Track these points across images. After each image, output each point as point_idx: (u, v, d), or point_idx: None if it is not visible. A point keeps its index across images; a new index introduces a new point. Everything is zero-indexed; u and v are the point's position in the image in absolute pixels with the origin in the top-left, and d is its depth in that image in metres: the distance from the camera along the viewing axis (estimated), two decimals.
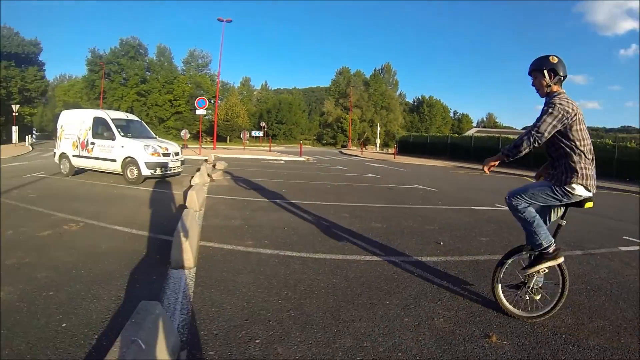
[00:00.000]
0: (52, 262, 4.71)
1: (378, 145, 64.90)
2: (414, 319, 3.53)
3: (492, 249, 6.02)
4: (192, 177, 11.83)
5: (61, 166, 13.38)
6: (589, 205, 3.49)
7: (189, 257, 4.63)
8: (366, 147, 60.80)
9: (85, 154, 12.54)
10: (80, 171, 13.39)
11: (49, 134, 70.84)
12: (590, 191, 3.41)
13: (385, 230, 6.94)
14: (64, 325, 3.23)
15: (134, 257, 5.03)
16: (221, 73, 37.16)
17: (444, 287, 4.35)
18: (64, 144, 13.27)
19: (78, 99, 71.01)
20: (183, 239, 4.63)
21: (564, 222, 3.68)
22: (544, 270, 3.63)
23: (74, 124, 13.22)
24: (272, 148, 44.93)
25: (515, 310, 3.71)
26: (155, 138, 13.57)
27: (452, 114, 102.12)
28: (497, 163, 3.60)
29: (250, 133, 55.97)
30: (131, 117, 14.44)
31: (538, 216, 3.60)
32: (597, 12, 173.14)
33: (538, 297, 3.66)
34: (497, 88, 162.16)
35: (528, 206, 3.59)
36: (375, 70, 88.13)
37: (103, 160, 12.21)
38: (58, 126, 13.89)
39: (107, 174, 12.71)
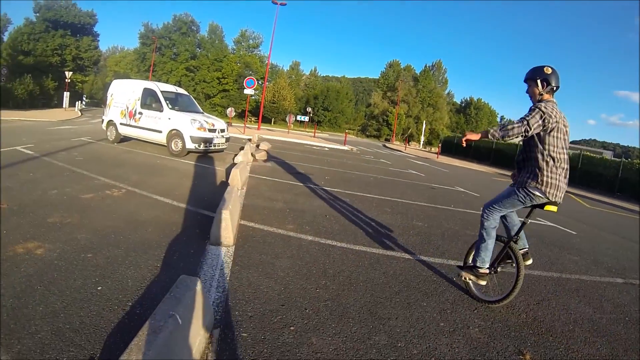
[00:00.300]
0: (92, 225, 4.78)
1: (422, 142, 64.23)
2: (450, 324, 3.44)
3: (532, 264, 5.66)
4: (236, 155, 11.91)
5: (108, 133, 13.78)
6: (549, 208, 3.73)
7: (228, 234, 4.58)
8: (410, 143, 60.18)
9: (133, 123, 12.84)
10: (125, 139, 13.75)
11: (97, 101, 74.17)
12: (549, 198, 3.64)
13: (426, 230, 6.76)
14: (99, 288, 3.24)
15: (173, 228, 5.05)
16: (271, 55, 37.58)
17: None
18: (113, 112, 13.65)
19: (128, 70, 73.78)
20: (225, 215, 4.58)
21: (528, 221, 3.90)
22: (465, 279, 4.13)
23: (124, 93, 13.57)
24: (316, 134, 44.92)
25: (476, 293, 4.12)
26: (202, 113, 13.69)
27: (499, 119, 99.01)
28: (477, 138, 3.81)
29: (296, 117, 56.16)
30: (180, 90, 14.61)
31: (491, 241, 3.93)
32: None
33: (483, 282, 4.00)
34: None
35: (493, 228, 3.93)
36: (425, 66, 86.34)
37: (149, 131, 12.45)
38: (108, 94, 14.30)
39: (152, 144, 12.98)
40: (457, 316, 3.61)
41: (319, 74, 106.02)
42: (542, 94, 3.74)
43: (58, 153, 9.97)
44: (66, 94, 40.09)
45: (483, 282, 3.99)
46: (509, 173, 26.79)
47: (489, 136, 3.68)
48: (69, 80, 40.50)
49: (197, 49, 73.29)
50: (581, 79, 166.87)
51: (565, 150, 3.66)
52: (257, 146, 17.04)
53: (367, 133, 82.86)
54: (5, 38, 54.33)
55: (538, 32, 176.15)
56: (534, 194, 3.66)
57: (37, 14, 54.86)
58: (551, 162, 3.60)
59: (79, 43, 58.49)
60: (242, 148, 13.09)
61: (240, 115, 64.22)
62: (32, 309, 2.83)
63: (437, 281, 4.43)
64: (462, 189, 13.83)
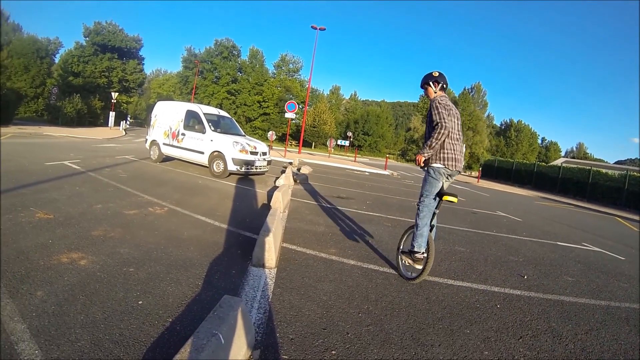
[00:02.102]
0: (135, 240, 4.90)
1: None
2: (494, 353, 3.32)
3: (579, 290, 5.51)
4: (277, 178, 12.01)
5: (151, 152, 14.27)
6: (447, 198, 4.62)
7: (271, 256, 4.57)
8: None
9: (175, 143, 13.23)
10: (168, 159, 14.19)
11: (141, 121, 77.41)
12: (448, 168, 4.59)
13: (468, 255, 6.61)
14: (140, 302, 3.27)
15: (214, 248, 5.09)
16: (312, 79, 38.16)
17: (527, 324, 4.07)
18: (156, 132, 14.16)
19: (171, 92, 76.88)
20: (268, 237, 4.59)
21: (437, 211, 4.81)
22: (405, 262, 4.89)
23: (167, 114, 14.08)
24: (356, 159, 44.97)
25: (403, 272, 5.00)
26: (244, 136, 13.96)
27: (540, 141, 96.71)
28: (424, 157, 4.64)
29: (337, 141, 56.57)
30: (222, 113, 14.98)
31: (426, 228, 4.65)
32: None
33: (419, 266, 4.67)
34: (590, 116, 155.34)
35: (427, 217, 4.66)
36: (464, 89, 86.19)
37: (191, 151, 12.78)
38: (152, 115, 14.84)
39: (194, 164, 13.33)
40: (502, 345, 3.48)
41: (358, 98, 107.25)
42: (436, 92, 4.87)
43: (103, 169, 10.37)
44: (112, 114, 42.10)
45: (419, 266, 4.66)
46: (553, 197, 26.51)
47: (429, 152, 4.55)
48: (115, 101, 42.47)
49: (238, 72, 75.49)
50: (625, 97, 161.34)
51: (458, 131, 4.72)
52: (299, 170, 17.17)
53: (407, 157, 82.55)
54: (57, 60, 57.73)
55: (576, 51, 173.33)
56: (438, 168, 4.61)
57: (87, 38, 58.28)
58: (447, 140, 4.58)
59: (125, 66, 61.63)
60: (283, 171, 13.18)
61: (281, 139, 65.35)
62: (73, 317, 2.89)
63: (480, 308, 4.31)
64: (504, 214, 13.56)
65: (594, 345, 3.74)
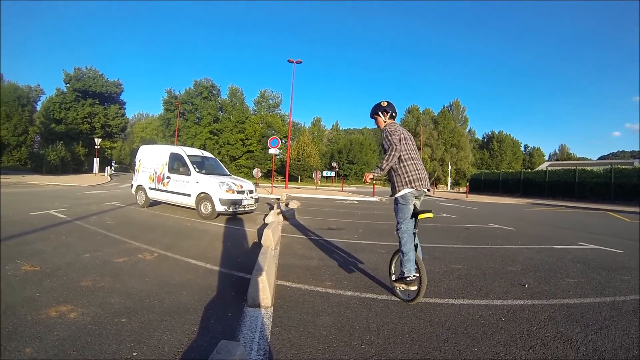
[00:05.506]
0: (125, 289, 4.78)
1: (449, 184, 64.76)
2: None
3: (582, 291, 5.53)
4: (266, 215, 11.95)
5: (137, 197, 14.21)
6: (422, 216, 4.77)
7: (266, 295, 4.48)
8: (437, 186, 60.21)
9: (161, 187, 13.19)
10: (155, 203, 14.08)
11: (126, 166, 77.23)
12: (416, 189, 4.74)
13: (466, 271, 6.56)
14: (134, 354, 3.16)
15: (207, 291, 4.98)
16: (292, 113, 38.41)
17: (534, 333, 4.01)
18: (141, 177, 14.14)
19: (154, 135, 77.10)
20: (261, 276, 4.52)
21: (416, 230, 4.87)
22: (399, 288, 4.97)
23: (151, 158, 14.13)
24: (344, 188, 45.10)
25: (401, 296, 5.04)
26: (230, 175, 13.98)
27: (522, 148, 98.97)
28: (373, 175, 5.00)
29: (322, 173, 56.81)
30: (206, 154, 15.05)
31: (411, 253, 4.71)
32: None
33: (413, 288, 4.75)
34: (568, 117, 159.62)
35: (409, 242, 4.73)
36: (443, 107, 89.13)
37: (178, 195, 12.74)
38: (136, 160, 14.85)
39: (182, 207, 13.22)
40: (512, 358, 3.42)
41: (340, 128, 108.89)
42: (385, 121, 5.11)
43: (90, 217, 10.24)
44: (96, 160, 42.06)
45: (414, 288, 4.73)
46: (543, 202, 27.10)
47: (379, 172, 4.84)
48: (99, 147, 42.49)
49: (219, 112, 76.17)
50: (599, 93, 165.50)
51: (414, 151, 4.95)
52: (287, 205, 17.10)
53: None
54: (39, 107, 57.82)
55: (549, 49, 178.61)
56: (405, 195, 4.77)
57: (67, 85, 58.66)
58: (408, 163, 4.80)
59: (106, 111, 62.01)
60: (271, 208, 13.10)
61: (267, 175, 65.41)
62: None
63: (485, 324, 4.24)
64: (496, 225, 13.69)
65: (605, 344, 3.72)
